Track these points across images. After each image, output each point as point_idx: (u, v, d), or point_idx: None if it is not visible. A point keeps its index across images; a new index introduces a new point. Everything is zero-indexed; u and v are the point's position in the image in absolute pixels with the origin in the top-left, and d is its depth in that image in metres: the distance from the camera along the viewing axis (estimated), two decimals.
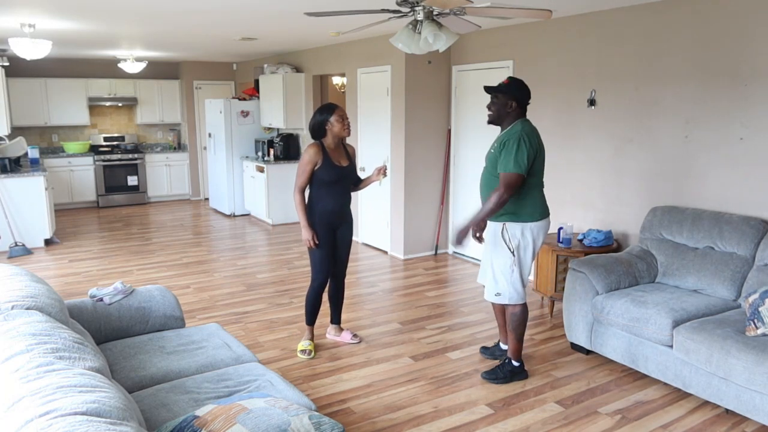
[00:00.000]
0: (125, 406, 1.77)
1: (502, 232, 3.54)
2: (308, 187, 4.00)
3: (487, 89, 3.60)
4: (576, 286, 4.02)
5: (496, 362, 3.91)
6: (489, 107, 3.61)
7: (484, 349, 4.12)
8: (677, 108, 4.42)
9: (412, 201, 6.59)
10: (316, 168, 3.89)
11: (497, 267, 3.60)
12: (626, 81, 4.75)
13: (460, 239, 3.49)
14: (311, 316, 4.17)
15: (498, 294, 3.63)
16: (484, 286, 3.80)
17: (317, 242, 3.93)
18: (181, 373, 2.80)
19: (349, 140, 7.49)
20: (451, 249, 6.88)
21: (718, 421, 3.27)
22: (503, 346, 4.02)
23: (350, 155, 4.10)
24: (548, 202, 5.49)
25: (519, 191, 3.45)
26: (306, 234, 3.92)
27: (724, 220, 3.95)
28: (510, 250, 3.53)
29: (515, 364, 3.74)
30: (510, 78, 3.60)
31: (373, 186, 7.01)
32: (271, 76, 8.61)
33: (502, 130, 3.60)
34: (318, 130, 3.94)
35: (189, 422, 1.99)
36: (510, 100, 3.52)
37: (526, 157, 3.38)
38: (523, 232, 3.52)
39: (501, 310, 3.92)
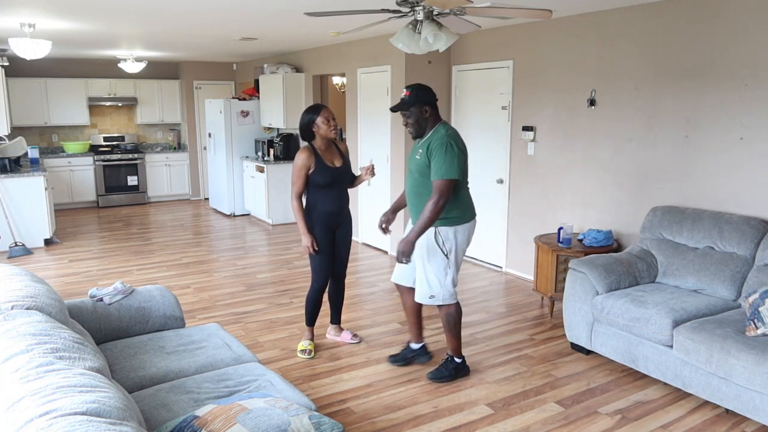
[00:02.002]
0: (125, 406, 1.76)
1: (435, 237, 3.51)
2: (305, 191, 3.99)
3: (395, 109, 3.52)
4: (576, 286, 4.02)
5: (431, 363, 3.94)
6: (406, 125, 3.53)
7: (393, 357, 4.00)
8: (677, 108, 4.42)
9: None
10: (310, 172, 3.87)
11: (430, 270, 3.56)
12: (626, 81, 4.75)
13: (408, 254, 3.43)
14: (311, 318, 4.17)
15: (432, 296, 3.59)
16: (416, 288, 3.71)
17: (317, 249, 3.93)
18: (181, 373, 2.80)
19: (349, 140, 7.52)
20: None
21: (718, 421, 3.27)
22: (414, 346, 4.00)
23: (344, 154, 4.08)
24: (548, 202, 5.56)
25: (452, 194, 3.43)
26: (306, 241, 3.92)
27: (724, 220, 3.95)
28: (444, 253, 3.52)
29: (458, 360, 3.77)
30: (409, 87, 3.50)
31: (372, 186, 7.05)
32: (271, 76, 8.61)
33: (423, 136, 3.53)
34: (305, 131, 3.92)
35: (189, 422, 1.99)
36: (422, 107, 3.45)
37: (457, 161, 3.36)
38: (455, 235, 3.52)
39: (415, 310, 3.92)
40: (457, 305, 3.69)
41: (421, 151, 3.48)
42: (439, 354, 4.02)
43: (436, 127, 3.49)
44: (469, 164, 3.57)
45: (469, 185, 3.63)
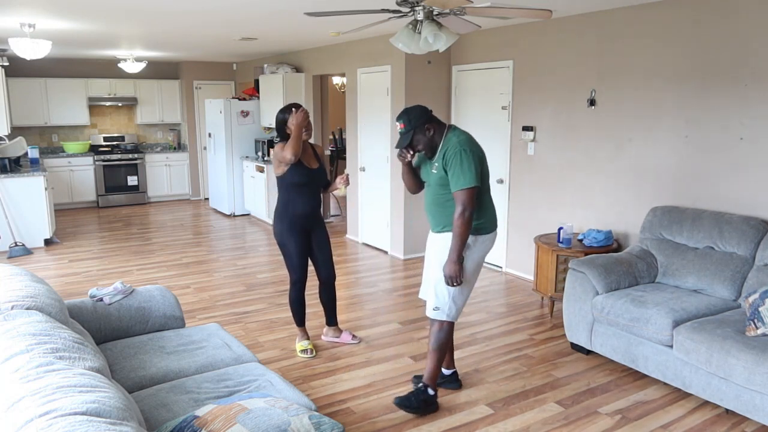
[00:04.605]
0: (125, 406, 1.76)
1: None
2: (278, 190, 3.99)
3: (400, 146, 3.31)
4: (576, 286, 4.02)
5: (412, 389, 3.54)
6: (418, 151, 3.33)
7: (418, 379, 3.65)
8: (677, 108, 4.42)
9: (412, 201, 6.59)
10: (286, 170, 3.87)
11: (443, 280, 3.28)
12: (626, 81, 4.75)
13: (457, 276, 3.20)
14: (299, 317, 4.17)
15: (436, 308, 3.32)
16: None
17: (293, 248, 3.94)
18: (181, 373, 2.80)
19: (349, 140, 7.52)
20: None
21: (718, 421, 3.27)
22: (445, 372, 3.66)
23: (319, 156, 4.08)
24: (548, 202, 5.57)
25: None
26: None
27: (724, 220, 3.95)
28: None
29: (431, 393, 3.36)
30: (399, 119, 3.29)
31: (372, 186, 7.05)
32: (271, 76, 8.61)
33: (437, 151, 3.31)
34: (280, 130, 3.93)
35: (189, 422, 1.99)
36: (424, 129, 3.26)
37: (474, 167, 3.16)
38: (475, 243, 3.29)
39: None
40: (451, 327, 3.39)
41: (437, 164, 3.27)
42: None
43: (447, 136, 3.28)
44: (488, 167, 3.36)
45: (490, 190, 3.42)
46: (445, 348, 3.40)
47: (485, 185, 3.31)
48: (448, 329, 3.38)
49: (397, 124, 3.31)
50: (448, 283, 3.23)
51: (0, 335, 2.10)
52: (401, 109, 3.44)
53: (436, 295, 3.33)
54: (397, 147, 3.36)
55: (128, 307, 3.30)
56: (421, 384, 3.41)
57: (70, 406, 1.61)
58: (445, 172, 3.22)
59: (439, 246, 3.33)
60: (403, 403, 3.34)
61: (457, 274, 3.20)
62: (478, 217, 3.27)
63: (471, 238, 3.27)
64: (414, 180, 3.51)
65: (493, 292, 5.51)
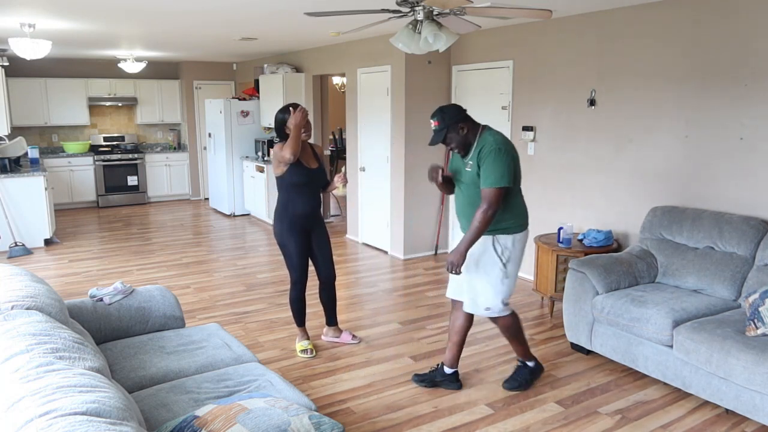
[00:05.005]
0: (125, 406, 1.76)
1: (493, 246, 3.38)
2: (278, 190, 3.99)
3: (433, 143, 3.38)
4: (576, 286, 4.02)
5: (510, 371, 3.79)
6: (452, 149, 3.40)
7: (419, 377, 3.73)
8: (677, 108, 4.42)
9: (412, 201, 6.59)
10: (285, 170, 3.87)
11: (486, 281, 3.42)
12: (626, 81, 4.75)
13: (459, 264, 3.31)
14: (299, 318, 4.17)
15: (488, 308, 3.47)
16: (465, 298, 3.55)
17: (293, 248, 3.95)
18: (181, 373, 2.80)
19: (349, 140, 7.52)
20: (451, 249, 6.85)
21: (718, 421, 3.27)
22: (447, 371, 3.68)
23: (318, 156, 4.08)
24: (548, 203, 5.56)
25: (505, 202, 3.31)
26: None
27: (724, 220, 3.95)
28: (502, 262, 3.39)
29: (530, 364, 3.70)
30: (434, 116, 3.34)
31: (372, 186, 7.05)
32: (271, 76, 8.61)
33: (471, 150, 3.38)
34: (279, 130, 3.93)
35: (189, 422, 1.99)
36: (458, 127, 3.31)
37: (507, 168, 3.22)
38: (513, 243, 3.39)
39: (463, 330, 3.63)
40: (513, 315, 3.57)
41: (471, 162, 3.33)
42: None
43: (482, 136, 3.33)
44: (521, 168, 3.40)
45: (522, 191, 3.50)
46: (519, 332, 3.63)
47: (516, 187, 3.39)
48: (510, 320, 3.56)
49: (431, 121, 3.37)
50: (448, 269, 3.36)
51: (0, 335, 2.10)
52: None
53: (485, 296, 3.46)
54: (430, 144, 3.44)
55: (128, 307, 3.30)
56: (519, 362, 3.71)
57: (70, 406, 1.61)
58: (479, 169, 3.28)
59: (479, 251, 3.41)
60: (512, 385, 3.63)
61: (460, 263, 3.31)
62: (512, 217, 3.38)
63: (509, 239, 3.39)
64: (448, 187, 3.61)
65: None
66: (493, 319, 3.56)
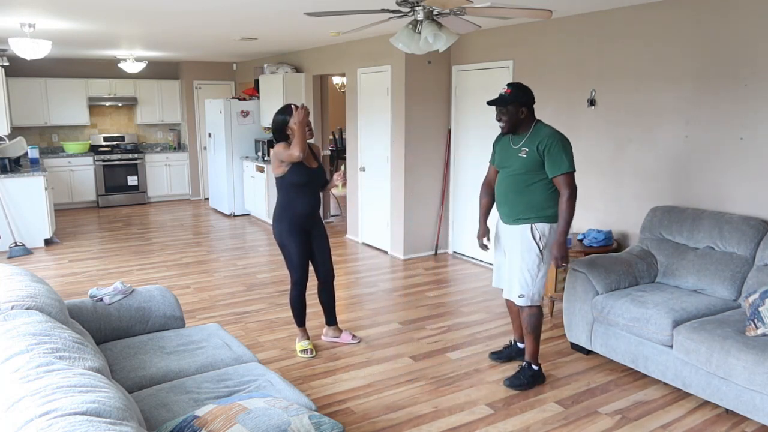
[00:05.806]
0: (125, 406, 1.76)
1: (531, 232, 3.51)
2: (277, 190, 3.98)
3: (492, 102, 3.53)
4: (576, 286, 4.02)
5: (514, 367, 3.88)
6: (499, 119, 3.54)
7: (496, 354, 4.05)
8: (677, 108, 4.42)
9: (412, 201, 6.59)
10: (286, 170, 3.87)
11: (524, 268, 3.54)
12: (626, 81, 4.75)
13: (566, 256, 3.47)
14: (300, 318, 4.17)
15: (522, 295, 3.58)
16: (502, 289, 3.80)
17: (293, 247, 3.97)
18: (181, 373, 2.80)
19: (349, 140, 7.52)
20: (451, 249, 6.87)
21: (718, 421, 3.27)
22: (521, 345, 3.96)
23: (317, 156, 4.08)
24: None
25: (549, 190, 3.49)
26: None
27: (724, 220, 3.95)
28: (540, 249, 3.52)
29: (535, 368, 3.71)
30: (510, 85, 3.51)
31: (372, 186, 7.05)
32: (271, 76, 8.61)
33: (516, 134, 3.55)
34: (279, 131, 3.92)
35: (189, 422, 1.99)
36: (520, 107, 3.47)
37: (572, 155, 3.44)
38: (550, 231, 3.53)
39: (517, 309, 3.88)
40: (540, 309, 3.66)
41: (526, 149, 3.47)
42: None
43: (537, 126, 3.51)
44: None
45: None
46: (538, 329, 3.69)
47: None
48: (537, 313, 3.65)
49: (505, 88, 3.50)
50: (557, 265, 3.49)
51: (0, 335, 2.10)
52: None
53: (519, 284, 3.59)
54: (489, 103, 3.55)
55: (128, 307, 3.30)
56: (525, 363, 3.74)
57: (70, 406, 1.61)
58: (540, 156, 3.42)
59: (516, 238, 3.56)
60: (513, 383, 3.67)
61: (566, 254, 3.47)
62: (552, 206, 3.51)
63: (547, 227, 3.53)
64: (487, 211, 3.92)
65: (494, 292, 5.50)
66: (521, 308, 3.68)
